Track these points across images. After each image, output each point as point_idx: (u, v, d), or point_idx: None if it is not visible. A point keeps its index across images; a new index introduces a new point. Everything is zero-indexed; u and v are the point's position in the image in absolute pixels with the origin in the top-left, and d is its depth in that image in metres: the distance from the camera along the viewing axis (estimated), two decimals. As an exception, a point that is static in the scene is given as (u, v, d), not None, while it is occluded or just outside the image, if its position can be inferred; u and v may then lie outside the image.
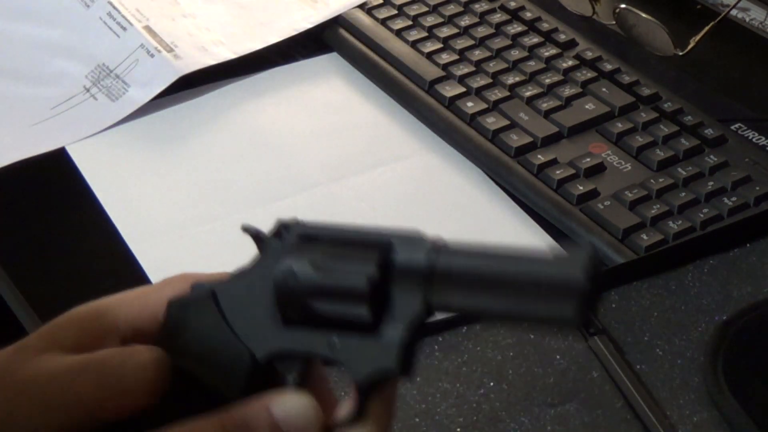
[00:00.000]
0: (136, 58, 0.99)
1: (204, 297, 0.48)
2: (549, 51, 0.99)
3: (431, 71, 0.97)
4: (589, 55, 0.99)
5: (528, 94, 0.95)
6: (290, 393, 0.46)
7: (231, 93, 0.99)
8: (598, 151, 0.90)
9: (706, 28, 1.00)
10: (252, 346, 0.47)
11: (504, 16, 1.04)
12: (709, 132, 0.90)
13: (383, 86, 0.99)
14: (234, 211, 0.86)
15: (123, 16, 1.03)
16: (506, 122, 0.92)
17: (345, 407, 0.47)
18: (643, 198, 0.84)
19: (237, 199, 0.88)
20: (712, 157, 0.88)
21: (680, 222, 0.82)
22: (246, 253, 0.48)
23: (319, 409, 0.46)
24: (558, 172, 0.87)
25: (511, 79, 0.96)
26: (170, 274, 0.51)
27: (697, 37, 1.00)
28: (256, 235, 0.48)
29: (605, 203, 0.84)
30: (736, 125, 0.94)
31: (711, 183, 0.86)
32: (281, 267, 0.46)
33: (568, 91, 0.95)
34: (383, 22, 1.04)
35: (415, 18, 1.04)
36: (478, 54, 0.99)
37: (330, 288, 0.45)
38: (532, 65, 0.98)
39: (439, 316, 0.68)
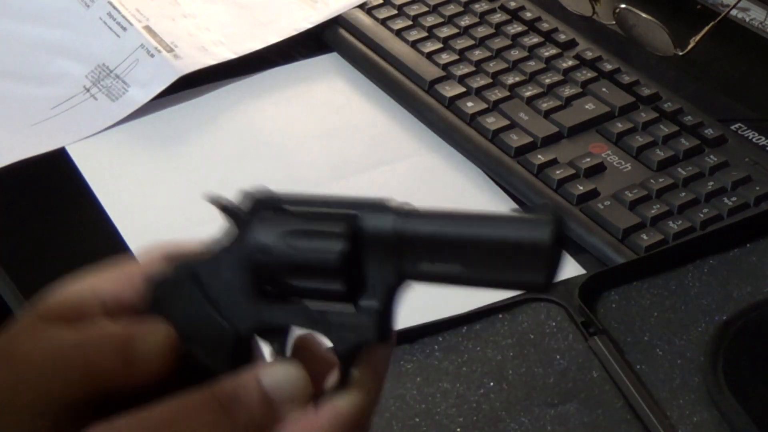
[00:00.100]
0: (136, 58, 1.00)
1: (184, 276, 0.48)
2: (549, 51, 0.99)
3: (431, 71, 0.97)
4: (589, 55, 0.99)
5: (528, 94, 0.95)
6: (278, 363, 0.47)
7: (231, 93, 0.99)
8: (598, 151, 0.90)
9: (706, 28, 1.00)
10: (235, 322, 0.47)
11: (504, 16, 1.04)
12: (709, 132, 0.90)
13: (383, 86, 0.99)
14: (234, 211, 0.86)
15: (123, 16, 1.03)
16: (506, 122, 0.92)
17: (332, 376, 0.48)
18: (643, 198, 0.84)
19: (237, 199, 0.88)
20: (712, 157, 0.88)
21: (680, 222, 0.82)
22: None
23: (308, 376, 0.47)
24: (558, 172, 0.87)
25: (511, 79, 0.96)
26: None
27: (697, 37, 1.00)
28: (224, 207, 0.48)
29: (605, 203, 0.84)
30: (736, 125, 0.94)
31: (711, 183, 0.86)
32: (253, 243, 0.47)
33: (568, 91, 0.95)
34: (383, 22, 1.04)
35: (415, 18, 1.04)
36: (478, 54, 0.99)
37: (303, 264, 0.46)
38: (532, 65, 0.98)
39: (440, 317, 0.68)
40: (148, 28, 1.02)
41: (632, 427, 0.68)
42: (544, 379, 0.71)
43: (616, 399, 0.69)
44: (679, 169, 0.87)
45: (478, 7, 1.05)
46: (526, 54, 0.99)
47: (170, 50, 0.99)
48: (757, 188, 0.85)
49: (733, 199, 0.84)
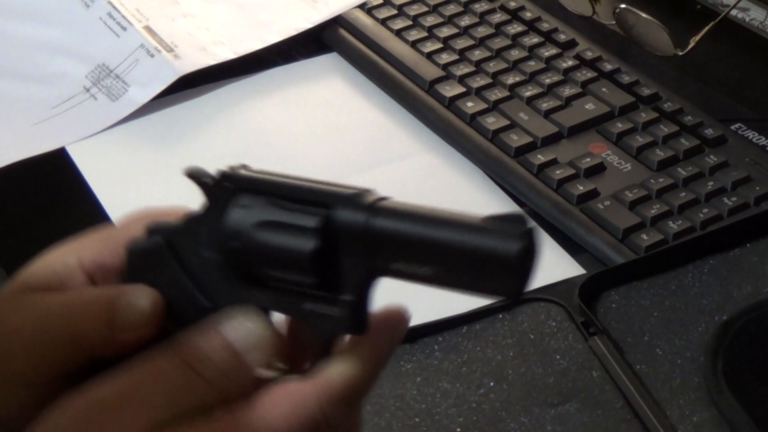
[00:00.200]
0: (136, 58, 1.00)
1: (162, 247, 0.48)
2: (549, 51, 0.99)
3: (431, 71, 0.97)
4: (589, 55, 0.99)
5: (528, 94, 0.95)
6: (240, 313, 0.46)
7: (231, 93, 0.99)
8: (598, 151, 0.90)
9: (706, 28, 1.00)
10: (213, 300, 0.47)
11: (504, 16, 1.04)
12: (709, 132, 0.90)
13: (383, 86, 0.99)
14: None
15: (123, 16, 1.03)
16: (506, 122, 0.92)
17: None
18: (643, 198, 0.84)
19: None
20: (712, 157, 0.88)
21: (680, 222, 0.82)
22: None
23: (270, 323, 0.46)
24: (558, 172, 0.87)
25: (511, 79, 0.96)
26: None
27: (697, 37, 1.00)
28: (201, 181, 0.49)
29: (605, 203, 0.84)
30: (736, 125, 0.94)
31: (711, 183, 0.86)
32: (228, 230, 0.47)
33: (568, 91, 0.95)
34: (383, 22, 1.04)
35: (415, 18, 1.04)
36: (478, 54, 0.99)
37: (276, 257, 0.46)
38: (532, 65, 0.98)
39: (440, 317, 0.68)
40: (148, 28, 1.02)
41: (632, 427, 0.68)
42: (544, 379, 0.71)
43: (616, 399, 0.69)
44: (679, 169, 0.87)
45: (478, 7, 1.05)
46: (526, 54, 0.99)
47: (170, 50, 0.99)
48: (757, 188, 0.85)
49: (733, 199, 0.84)
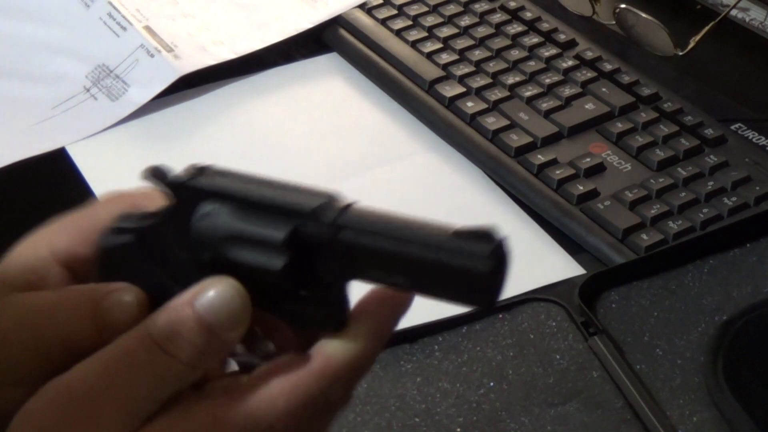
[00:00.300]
0: (136, 58, 1.00)
1: (132, 246, 0.48)
2: (549, 51, 0.99)
3: (431, 71, 0.97)
4: (589, 55, 0.99)
5: (528, 94, 0.95)
6: (211, 282, 0.45)
7: (231, 93, 0.99)
8: (598, 151, 0.90)
9: (706, 28, 1.00)
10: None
11: (504, 16, 1.04)
12: (709, 132, 0.90)
13: (383, 86, 0.99)
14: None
15: (123, 16, 1.03)
16: (506, 122, 0.92)
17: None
18: (643, 198, 0.84)
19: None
20: (712, 157, 0.88)
21: (680, 222, 0.82)
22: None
23: (244, 292, 0.45)
24: (558, 172, 0.87)
25: (511, 79, 0.96)
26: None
27: (697, 37, 1.00)
28: (163, 184, 0.48)
29: (605, 203, 0.84)
30: (736, 125, 0.94)
31: (711, 183, 0.86)
32: (196, 239, 0.46)
33: (568, 91, 0.95)
34: (383, 22, 1.04)
35: (415, 18, 1.04)
36: (478, 54, 0.99)
37: (248, 270, 0.45)
38: (532, 65, 0.98)
39: (440, 317, 0.68)
40: (148, 28, 1.02)
41: (632, 427, 0.68)
42: (544, 379, 0.71)
43: (616, 399, 0.69)
44: (679, 169, 0.87)
45: (478, 7, 1.05)
46: (526, 54, 0.99)
47: (170, 50, 0.99)
48: (757, 188, 0.85)
49: (733, 199, 0.84)
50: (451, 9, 1.05)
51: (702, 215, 0.83)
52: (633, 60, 1.01)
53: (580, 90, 0.95)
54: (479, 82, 0.96)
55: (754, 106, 0.98)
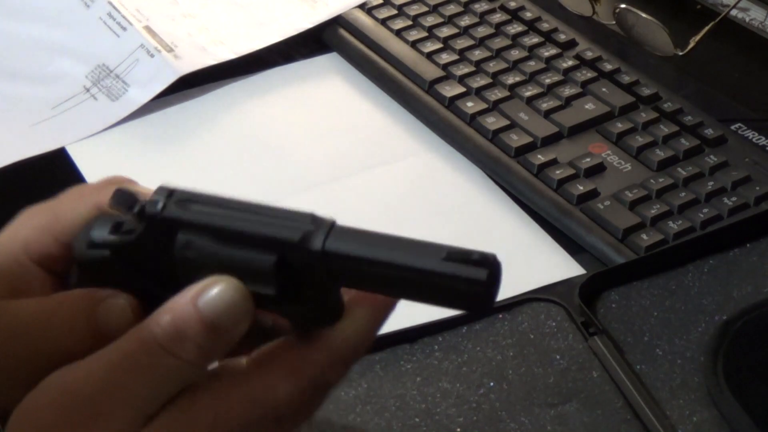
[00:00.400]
0: (136, 58, 1.00)
1: (110, 260, 0.47)
2: (549, 51, 0.99)
3: (431, 71, 0.97)
4: (589, 55, 0.99)
5: (528, 94, 0.95)
6: (213, 281, 0.44)
7: (231, 93, 0.99)
8: (598, 151, 0.90)
9: (706, 28, 1.00)
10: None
11: (504, 16, 1.04)
12: (709, 132, 0.90)
13: (383, 86, 0.99)
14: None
15: (123, 16, 1.03)
16: (506, 122, 0.92)
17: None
18: (643, 198, 0.84)
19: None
20: (712, 157, 0.88)
21: (680, 222, 0.82)
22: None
23: (247, 291, 0.44)
24: (558, 172, 0.87)
25: (511, 79, 0.96)
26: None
27: (697, 37, 1.00)
28: (138, 214, 0.46)
29: (605, 203, 0.84)
30: (736, 125, 0.94)
31: (711, 183, 0.86)
32: (182, 262, 0.45)
33: (568, 91, 0.95)
34: (383, 22, 1.04)
35: (415, 18, 1.04)
36: (478, 54, 0.99)
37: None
38: (532, 65, 0.98)
39: (440, 317, 0.68)
40: (148, 28, 1.02)
41: (632, 427, 0.68)
42: (544, 379, 0.71)
43: (616, 399, 0.69)
44: (679, 169, 0.87)
45: (478, 7, 1.05)
46: (526, 54, 0.99)
47: (170, 50, 0.99)
48: (757, 188, 0.85)
49: (733, 199, 0.84)
50: (451, 9, 1.05)
51: (702, 215, 0.83)
52: (633, 60, 1.01)
53: (580, 90, 0.95)
54: (479, 82, 0.96)
55: (754, 106, 0.98)
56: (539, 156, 0.88)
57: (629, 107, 0.93)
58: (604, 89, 0.95)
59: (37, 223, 0.50)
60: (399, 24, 1.03)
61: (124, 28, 1.02)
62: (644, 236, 0.81)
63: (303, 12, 1.06)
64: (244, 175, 0.90)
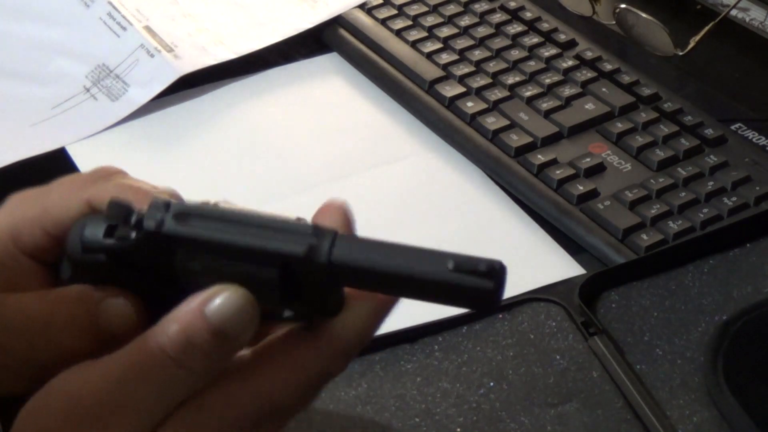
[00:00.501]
0: (136, 58, 1.00)
1: (107, 265, 0.46)
2: (549, 51, 0.99)
3: (431, 71, 0.97)
4: (589, 55, 0.99)
5: (528, 94, 0.95)
6: (218, 289, 0.44)
7: (231, 93, 0.99)
8: (598, 151, 0.90)
9: (706, 28, 1.00)
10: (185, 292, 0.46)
11: (504, 16, 1.04)
12: (709, 132, 0.90)
13: (383, 86, 0.99)
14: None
15: (123, 16, 1.03)
16: (506, 122, 0.92)
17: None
18: (643, 198, 0.84)
19: (236, 200, 0.87)
20: (712, 157, 0.88)
21: (680, 222, 0.82)
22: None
23: (252, 297, 0.44)
24: (558, 172, 0.87)
25: (511, 79, 0.96)
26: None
27: (697, 37, 1.00)
28: (136, 229, 0.46)
29: (605, 203, 0.84)
30: (736, 125, 0.94)
31: (711, 183, 0.86)
32: (183, 274, 0.45)
33: (568, 91, 0.95)
34: (383, 22, 1.04)
35: (415, 18, 1.04)
36: (478, 54, 0.99)
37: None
38: (532, 65, 0.98)
39: (440, 317, 0.68)
40: (148, 28, 1.02)
41: (632, 427, 0.68)
42: (544, 379, 0.71)
43: (616, 399, 0.69)
44: (679, 169, 0.87)
45: (478, 7, 1.05)
46: (526, 54, 0.99)
47: (170, 50, 0.99)
48: (757, 188, 0.85)
49: (733, 199, 0.84)
50: (451, 9, 1.05)
51: (702, 215, 0.83)
52: (633, 60, 1.01)
53: (580, 90, 0.95)
54: (479, 82, 0.96)
55: (754, 106, 0.98)
56: (539, 156, 0.88)
57: (629, 107, 0.93)
58: (604, 89, 0.95)
59: (26, 215, 0.49)
60: (399, 24, 1.03)
61: (124, 28, 1.02)
62: (644, 236, 0.81)
63: (303, 12, 1.06)
64: (244, 175, 0.90)
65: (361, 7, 1.05)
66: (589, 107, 0.93)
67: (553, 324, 0.74)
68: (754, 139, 0.93)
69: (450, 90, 0.95)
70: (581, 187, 0.85)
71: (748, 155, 0.88)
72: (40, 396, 0.44)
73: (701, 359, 0.71)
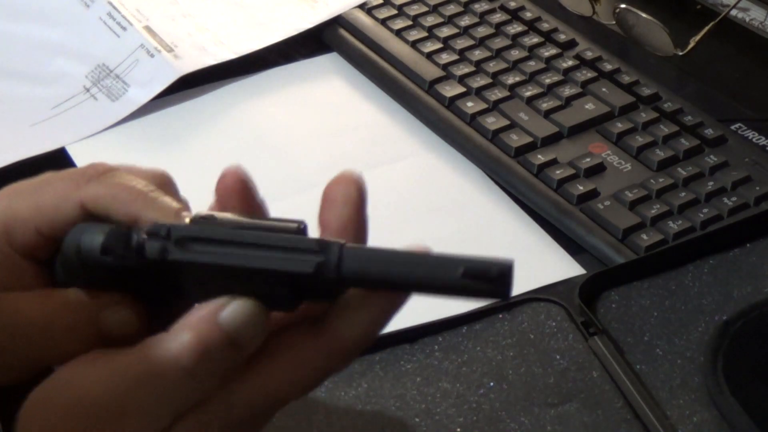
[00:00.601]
0: (136, 58, 1.00)
1: (106, 278, 0.47)
2: (549, 51, 0.99)
3: (431, 71, 0.97)
4: (589, 55, 0.99)
5: (528, 94, 0.95)
6: (232, 299, 0.44)
7: (231, 93, 0.99)
8: (598, 151, 0.90)
9: (706, 28, 1.00)
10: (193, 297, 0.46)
11: (504, 16, 1.04)
12: (709, 132, 0.90)
13: (383, 86, 0.99)
14: (234, 211, 0.86)
15: (123, 16, 1.03)
16: (506, 122, 0.92)
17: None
18: (643, 198, 0.84)
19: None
20: (712, 157, 0.88)
21: (680, 222, 0.82)
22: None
23: (263, 306, 0.44)
24: (558, 172, 0.87)
25: (511, 79, 0.96)
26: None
27: (697, 37, 1.00)
28: (141, 257, 0.46)
29: (605, 203, 0.84)
30: (736, 125, 0.94)
31: (711, 183, 0.86)
32: (190, 291, 0.46)
33: (568, 91, 0.95)
34: (383, 22, 1.04)
35: (415, 18, 1.04)
36: (478, 54, 0.99)
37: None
38: (532, 65, 0.98)
39: (440, 317, 0.68)
40: (148, 28, 1.02)
41: (632, 427, 0.68)
42: (544, 379, 0.71)
43: (616, 399, 0.69)
44: (679, 169, 0.87)
45: (478, 7, 1.05)
46: (526, 54, 0.99)
47: (170, 50, 0.99)
48: (757, 188, 0.85)
49: (733, 199, 0.84)
50: (451, 9, 1.05)
51: (702, 215, 0.83)
52: (633, 60, 1.01)
53: (580, 90, 0.95)
54: (479, 82, 0.96)
55: (754, 106, 0.98)
56: (539, 156, 0.88)
57: (629, 107, 0.93)
58: (604, 89, 0.95)
59: (19, 214, 0.49)
60: (399, 24, 1.03)
61: (124, 28, 1.02)
62: (644, 236, 0.81)
63: (303, 12, 1.06)
64: (244, 175, 0.90)
65: (361, 7, 1.05)
66: (589, 107, 0.93)
67: (553, 324, 0.74)
68: (754, 139, 0.93)
69: (450, 90, 0.95)
70: (581, 187, 0.85)
71: (748, 155, 0.88)
72: (44, 392, 0.44)
73: (701, 359, 0.71)
